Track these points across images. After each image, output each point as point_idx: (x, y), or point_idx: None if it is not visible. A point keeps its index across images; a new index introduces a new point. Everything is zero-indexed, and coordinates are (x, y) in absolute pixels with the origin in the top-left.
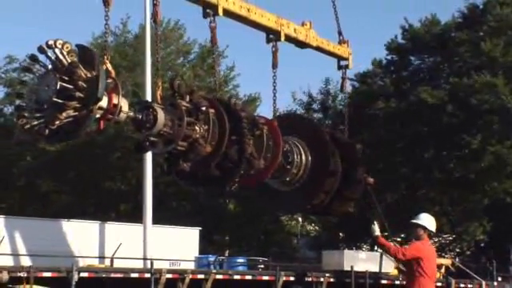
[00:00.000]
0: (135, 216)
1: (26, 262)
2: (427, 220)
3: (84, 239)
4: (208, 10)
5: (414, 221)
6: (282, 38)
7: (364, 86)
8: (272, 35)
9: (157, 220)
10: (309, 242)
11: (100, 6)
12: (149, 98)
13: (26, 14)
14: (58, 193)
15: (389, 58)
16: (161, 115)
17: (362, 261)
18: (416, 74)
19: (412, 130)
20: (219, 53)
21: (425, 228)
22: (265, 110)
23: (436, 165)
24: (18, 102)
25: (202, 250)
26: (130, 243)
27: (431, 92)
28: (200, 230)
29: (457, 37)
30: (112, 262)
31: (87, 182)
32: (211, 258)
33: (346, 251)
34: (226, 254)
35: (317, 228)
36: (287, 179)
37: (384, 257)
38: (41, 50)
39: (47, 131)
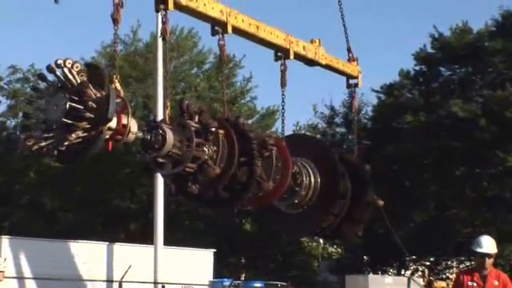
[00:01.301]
0: (145, 236)
1: (30, 285)
2: (492, 245)
3: (91, 261)
4: (217, 28)
5: (484, 250)
6: (291, 56)
7: (390, 99)
8: (281, 53)
9: (168, 240)
10: (331, 265)
11: (109, 14)
12: (160, 110)
13: (32, 23)
14: (64, 211)
15: (417, 68)
16: (169, 136)
17: (388, 286)
18: (446, 86)
19: (442, 146)
20: (235, 63)
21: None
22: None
23: (468, 183)
24: (25, 121)
25: (217, 273)
26: (140, 265)
27: (463, 105)
28: (214, 252)
29: (490, 46)
30: (121, 286)
31: (95, 199)
32: (226, 283)
33: (371, 276)
34: (242, 278)
35: (339, 250)
36: (295, 201)
37: (412, 281)
38: (49, 69)
39: (56, 152)
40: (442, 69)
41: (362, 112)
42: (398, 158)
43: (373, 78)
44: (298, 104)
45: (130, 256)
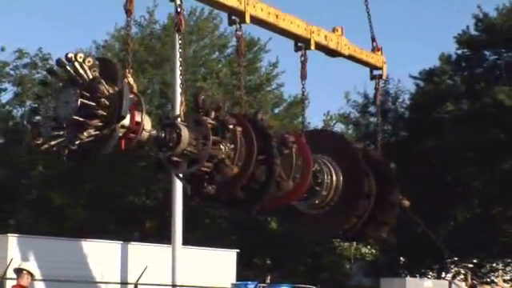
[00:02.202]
0: (162, 235)
1: (39, 287)
2: None
3: (104, 262)
4: (234, 17)
5: None
6: (312, 47)
7: (430, 86)
8: (301, 43)
9: (187, 240)
10: (364, 267)
11: None
12: (179, 98)
13: (39, 4)
14: (74, 207)
15: (459, 52)
16: (185, 133)
17: None
18: (491, 72)
19: (487, 137)
20: (260, 46)
21: None
22: (313, 112)
23: None
24: (33, 117)
25: (240, 276)
26: (157, 267)
27: (509, 92)
28: (237, 253)
29: None
30: None
31: (107, 195)
32: (250, 286)
33: (409, 279)
34: (268, 281)
35: (373, 251)
36: (316, 202)
37: (453, 285)
38: (59, 63)
39: (67, 151)
40: (486, 53)
41: (399, 100)
42: (438, 151)
43: (411, 63)
44: (329, 91)
45: (146, 256)
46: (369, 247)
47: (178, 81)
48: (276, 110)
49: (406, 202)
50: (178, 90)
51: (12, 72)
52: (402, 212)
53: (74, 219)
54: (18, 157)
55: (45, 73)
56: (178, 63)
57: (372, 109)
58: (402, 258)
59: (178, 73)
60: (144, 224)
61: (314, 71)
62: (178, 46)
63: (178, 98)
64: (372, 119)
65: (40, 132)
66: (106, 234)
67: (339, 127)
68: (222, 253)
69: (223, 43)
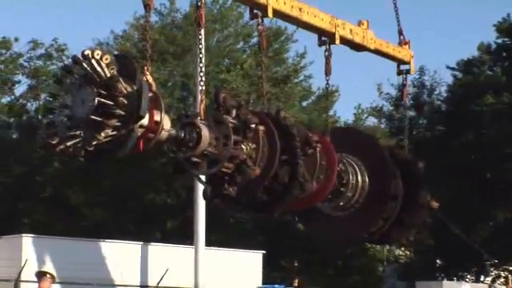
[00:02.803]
0: (184, 235)
1: None
2: None
3: (124, 263)
4: (255, 11)
5: None
6: (337, 41)
7: (468, 77)
8: (325, 37)
9: (210, 240)
10: (398, 270)
11: None
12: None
13: None
14: (91, 206)
15: (499, 41)
16: (205, 133)
17: None
18: None
19: None
20: (287, 36)
21: None
22: (343, 106)
23: None
24: (48, 118)
25: (266, 278)
26: (179, 269)
27: None
28: (263, 254)
29: None
30: None
31: (126, 193)
32: None
33: (446, 282)
34: (296, 284)
35: (408, 253)
36: (341, 203)
37: None
38: (75, 60)
39: (83, 152)
40: None
41: (435, 93)
42: (476, 147)
43: (448, 54)
44: (360, 83)
45: (167, 258)
46: (403, 249)
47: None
48: (304, 103)
49: (435, 204)
50: (199, 87)
51: (26, 64)
52: (432, 214)
53: (92, 218)
54: (33, 153)
55: (60, 64)
56: (199, 60)
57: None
58: (438, 260)
59: (199, 70)
60: (165, 224)
61: (344, 62)
62: (198, 41)
63: (200, 97)
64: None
65: (55, 132)
66: (125, 235)
67: (371, 121)
68: (247, 254)
69: (248, 32)
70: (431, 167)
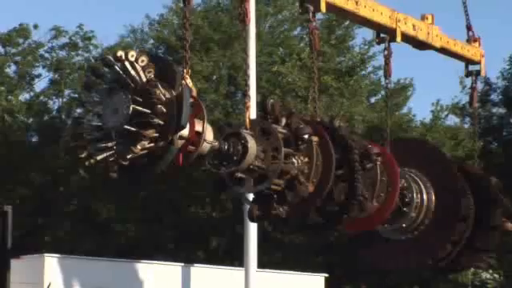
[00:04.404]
0: (232, 255)
1: None
2: None
3: (162, 287)
4: (307, 5)
5: None
6: (398, 38)
7: None
8: (384, 34)
9: (263, 262)
10: None
11: None
12: (253, 87)
13: None
14: (124, 221)
15: None
16: (251, 145)
17: None
18: None
19: None
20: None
21: None
22: (419, 101)
23: None
24: (76, 127)
25: None
26: None
27: None
28: (326, 277)
29: None
30: None
31: (164, 206)
32: None
33: None
34: None
35: (496, 276)
36: (403, 225)
37: None
38: (107, 63)
39: (116, 167)
40: None
41: None
42: None
43: None
44: (439, 75)
45: (213, 281)
46: (491, 271)
47: (253, 62)
48: (372, 100)
49: (510, 225)
50: (253, 74)
51: (47, 55)
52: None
53: (124, 235)
54: (56, 159)
55: (86, 55)
56: (253, 38)
57: (494, 97)
58: None
59: (253, 51)
60: (210, 242)
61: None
62: (244, 42)
63: (253, 82)
64: (495, 110)
65: (84, 144)
66: (163, 254)
67: (452, 120)
68: (306, 277)
69: (306, 17)
70: None
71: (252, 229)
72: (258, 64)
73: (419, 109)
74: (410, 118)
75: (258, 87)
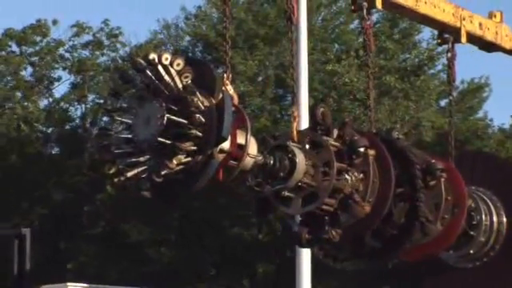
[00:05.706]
0: (282, 283)
1: None
2: None
3: None
4: (360, 1)
5: None
6: (463, 39)
7: None
8: (448, 34)
9: None
10: None
11: None
12: (304, 91)
13: None
14: (157, 245)
15: None
16: (300, 159)
17: None
18: None
19: None
20: None
21: None
22: (497, 105)
23: None
24: (103, 139)
25: None
26: None
27: None
28: None
29: None
30: None
31: (203, 227)
32: None
33: None
34: None
35: None
36: (471, 251)
37: None
38: (137, 67)
39: (149, 185)
40: None
41: None
42: None
43: None
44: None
45: None
46: None
47: (304, 61)
48: (443, 103)
49: None
50: (304, 74)
51: (68, 55)
52: None
53: (158, 261)
54: (79, 174)
55: (113, 55)
56: (304, 33)
57: None
58: None
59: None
60: (256, 267)
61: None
62: (291, 45)
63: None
64: None
65: (114, 160)
66: (202, 281)
67: None
68: None
69: (360, 14)
70: None
71: (305, 253)
72: (310, 63)
73: (497, 113)
74: (487, 123)
75: (310, 89)
